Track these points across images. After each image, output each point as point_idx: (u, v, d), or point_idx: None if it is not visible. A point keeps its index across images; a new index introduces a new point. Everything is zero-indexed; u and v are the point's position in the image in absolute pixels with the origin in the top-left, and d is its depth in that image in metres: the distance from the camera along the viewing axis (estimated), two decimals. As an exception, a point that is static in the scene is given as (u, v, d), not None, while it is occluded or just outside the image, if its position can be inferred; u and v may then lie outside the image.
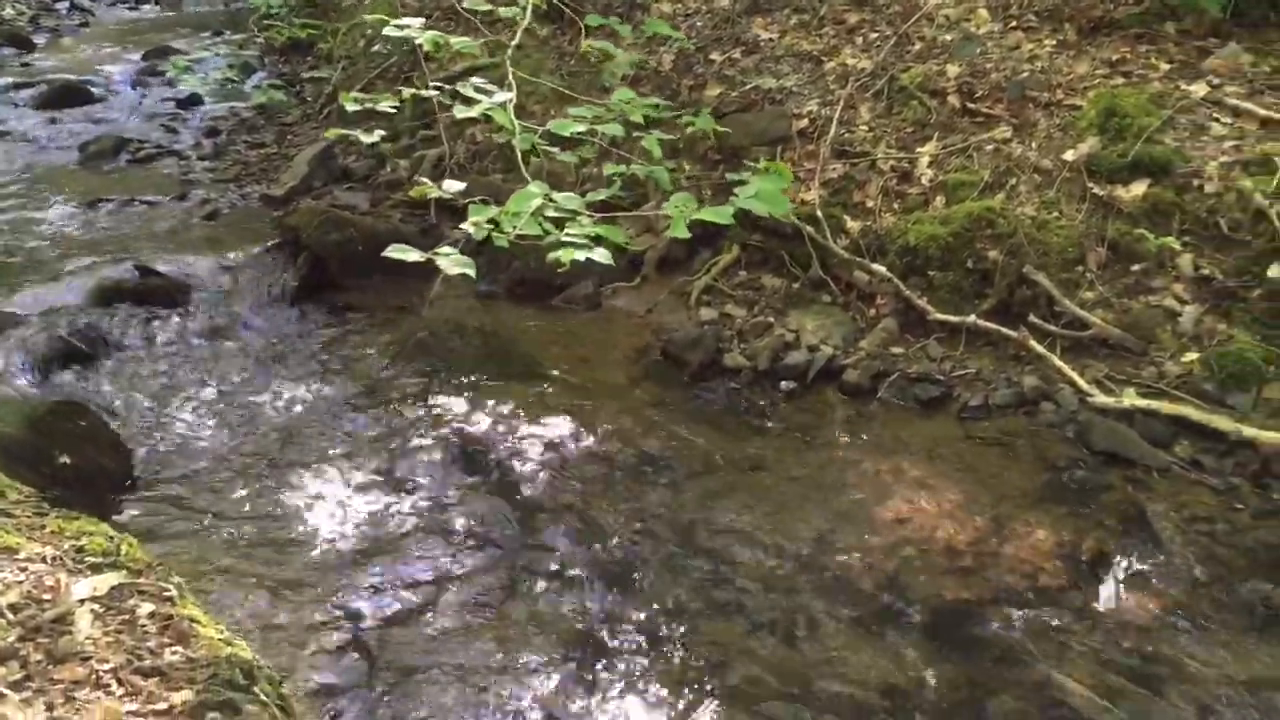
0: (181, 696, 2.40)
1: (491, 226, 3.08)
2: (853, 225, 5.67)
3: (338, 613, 3.65)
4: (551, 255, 3.10)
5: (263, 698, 2.49)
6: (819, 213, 5.68)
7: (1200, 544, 4.00)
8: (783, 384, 5.10)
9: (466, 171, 7.16)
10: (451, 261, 2.92)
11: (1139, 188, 5.14)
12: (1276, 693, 3.40)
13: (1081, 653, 3.61)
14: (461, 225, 3.22)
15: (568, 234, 3.11)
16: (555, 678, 3.45)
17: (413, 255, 2.93)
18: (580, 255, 3.00)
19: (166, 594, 2.84)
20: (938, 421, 4.83)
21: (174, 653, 2.59)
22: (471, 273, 2.95)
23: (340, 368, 5.43)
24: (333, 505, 4.31)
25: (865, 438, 4.76)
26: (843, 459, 4.64)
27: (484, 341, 5.77)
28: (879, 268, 5.43)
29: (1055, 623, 3.74)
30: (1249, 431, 4.31)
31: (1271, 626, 3.64)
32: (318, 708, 3.22)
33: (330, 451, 4.67)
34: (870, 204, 5.74)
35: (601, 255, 3.08)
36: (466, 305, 6.17)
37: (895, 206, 5.69)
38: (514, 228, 3.10)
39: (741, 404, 5.05)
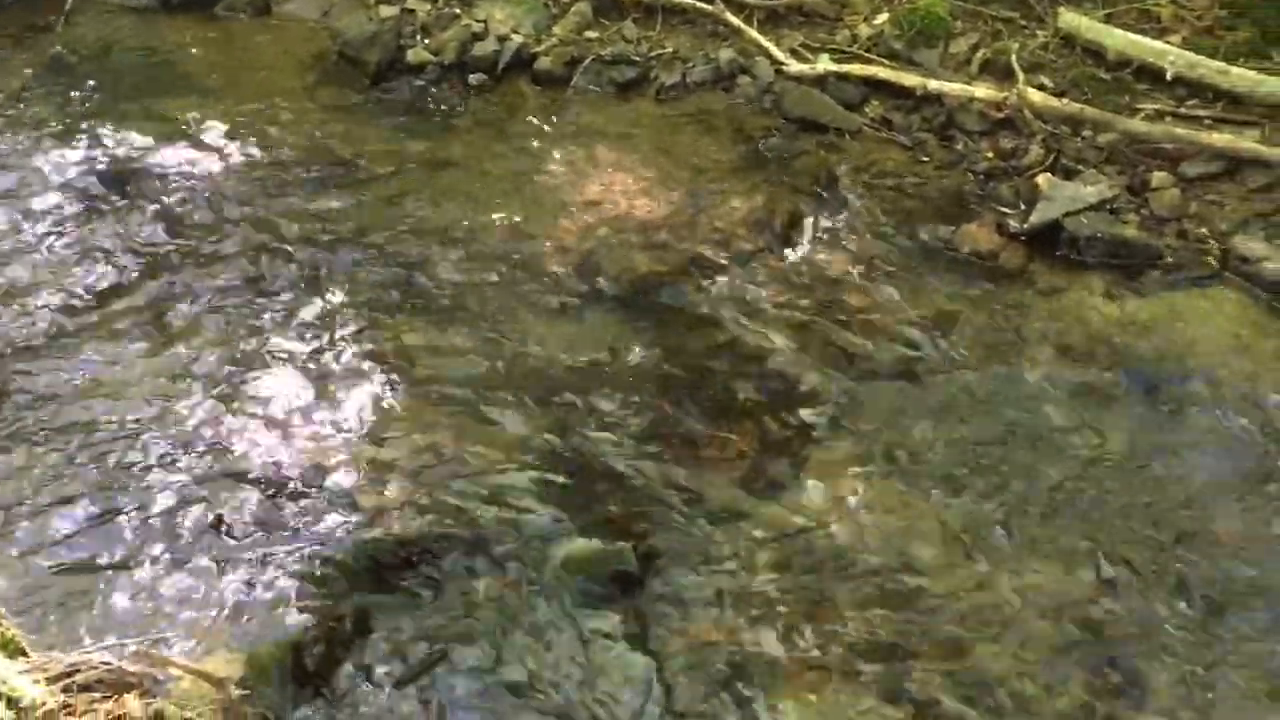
0: None
1: None
2: (540, -98, 5.18)
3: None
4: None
5: None
6: (502, -110, 5.15)
7: (887, 198, 4.01)
8: (471, 78, 4.71)
9: None
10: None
11: None
12: (945, 319, 3.50)
13: (775, 308, 3.59)
14: None
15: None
16: (216, 393, 3.15)
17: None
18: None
19: None
20: (634, 104, 4.60)
21: None
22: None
23: (-44, 95, 4.67)
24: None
25: (560, 126, 4.49)
26: (536, 149, 4.36)
27: (137, 58, 5.06)
28: (569, -53, 5.01)
29: (749, 284, 3.69)
30: (934, 85, 4.29)
31: (951, 265, 3.72)
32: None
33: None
34: (557, -122, 5.24)
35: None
36: (116, 22, 5.38)
37: (584, -121, 5.22)
38: None
39: (428, 101, 4.64)
